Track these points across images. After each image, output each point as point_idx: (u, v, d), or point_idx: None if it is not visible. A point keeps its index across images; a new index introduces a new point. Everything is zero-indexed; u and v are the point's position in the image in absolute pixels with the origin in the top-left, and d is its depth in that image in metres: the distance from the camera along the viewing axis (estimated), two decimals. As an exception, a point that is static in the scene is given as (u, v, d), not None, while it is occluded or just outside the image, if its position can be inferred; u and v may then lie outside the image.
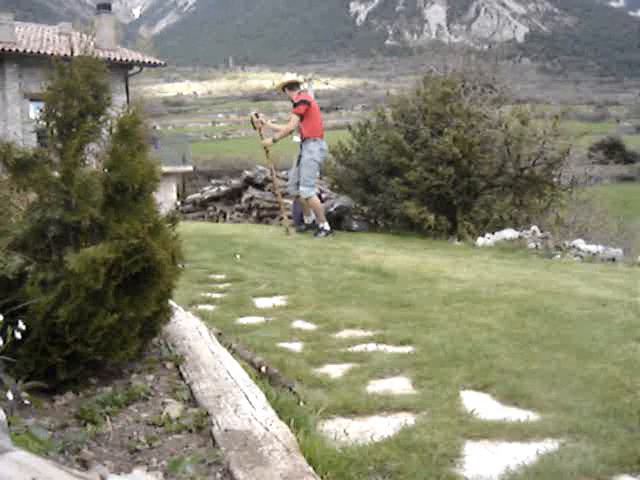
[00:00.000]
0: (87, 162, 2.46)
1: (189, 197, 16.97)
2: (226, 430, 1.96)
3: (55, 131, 2.41)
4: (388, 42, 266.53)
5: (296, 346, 3.30)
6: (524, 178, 9.19)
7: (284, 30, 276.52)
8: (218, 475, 1.74)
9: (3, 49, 20.83)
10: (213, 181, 16.89)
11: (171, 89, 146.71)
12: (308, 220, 8.26)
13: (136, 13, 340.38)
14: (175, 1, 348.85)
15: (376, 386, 2.72)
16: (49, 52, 20.92)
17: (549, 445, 2.15)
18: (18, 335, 1.95)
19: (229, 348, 2.87)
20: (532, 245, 7.52)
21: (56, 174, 2.38)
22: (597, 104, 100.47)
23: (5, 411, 1.58)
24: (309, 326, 3.71)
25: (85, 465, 1.72)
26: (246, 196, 13.02)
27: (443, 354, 3.09)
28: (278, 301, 4.35)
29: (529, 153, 9.08)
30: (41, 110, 2.42)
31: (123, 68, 23.53)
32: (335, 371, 2.91)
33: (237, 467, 1.74)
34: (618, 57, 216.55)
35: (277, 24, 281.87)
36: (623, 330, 3.51)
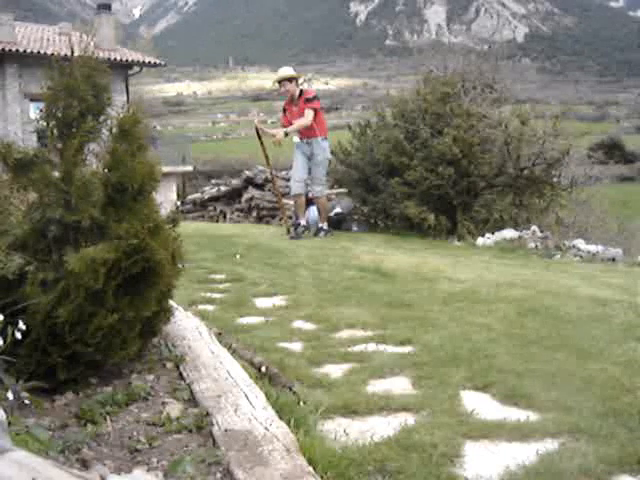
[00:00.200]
0: (87, 162, 2.47)
1: (189, 197, 16.98)
2: (226, 430, 1.96)
3: (55, 131, 2.41)
4: (388, 42, 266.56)
5: (296, 346, 3.30)
6: (524, 178, 9.19)
7: (284, 30, 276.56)
8: (218, 475, 1.74)
9: (3, 49, 20.84)
10: (213, 181, 16.89)
11: (171, 89, 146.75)
12: (303, 222, 8.06)
13: (136, 13, 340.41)
14: (175, 1, 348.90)
15: (376, 386, 2.72)
16: (49, 52, 20.94)
17: (549, 445, 2.15)
18: (18, 335, 1.95)
19: (229, 348, 2.87)
20: (532, 245, 7.52)
21: (56, 174, 2.39)
22: (597, 104, 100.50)
23: (5, 411, 1.58)
24: (309, 326, 3.71)
25: (85, 465, 1.72)
26: (246, 196, 13.03)
27: (443, 354, 3.09)
28: (278, 301, 4.35)
29: (529, 153, 9.08)
30: (41, 110, 2.42)
31: (123, 68, 23.55)
32: (335, 371, 2.91)
33: (237, 467, 1.74)
34: (618, 57, 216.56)
35: (277, 24, 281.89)
36: (623, 330, 3.52)
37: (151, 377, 2.45)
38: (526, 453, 2.09)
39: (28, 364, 2.18)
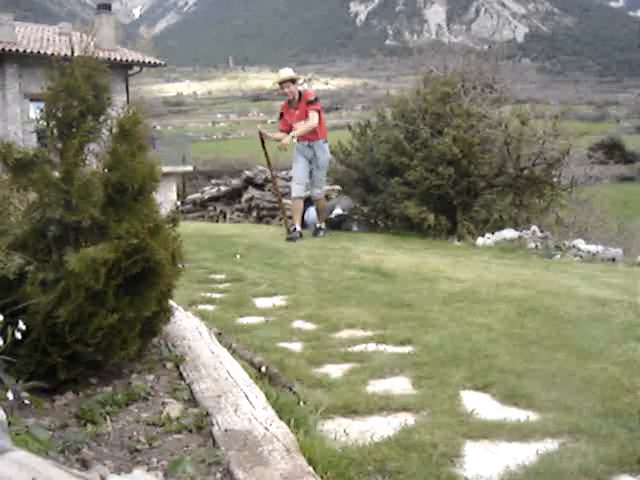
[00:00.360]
0: (87, 162, 2.47)
1: (189, 197, 16.99)
2: (226, 430, 1.96)
3: (55, 131, 2.41)
4: (388, 42, 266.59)
5: (296, 346, 3.30)
6: (524, 178, 9.19)
7: (284, 30, 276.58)
8: (218, 475, 1.74)
9: (3, 49, 20.84)
10: (213, 181, 16.90)
11: (171, 89, 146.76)
12: (299, 227, 7.84)
13: (136, 13, 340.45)
14: (175, 1, 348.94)
15: (376, 386, 2.72)
16: (49, 52, 20.94)
17: (549, 445, 2.15)
18: (18, 335, 1.95)
19: (229, 348, 2.87)
20: (532, 245, 7.52)
21: (56, 174, 2.39)
22: (597, 104, 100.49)
23: (5, 411, 1.58)
24: (309, 326, 3.71)
25: (85, 465, 1.72)
26: (246, 196, 13.03)
27: (443, 354, 3.09)
28: (278, 301, 4.35)
29: (529, 153, 9.08)
30: (41, 110, 2.42)
31: (123, 68, 23.55)
32: (335, 371, 2.91)
33: (237, 467, 1.74)
34: (618, 57, 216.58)
35: (277, 24, 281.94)
36: (623, 330, 3.52)
37: (151, 377, 2.46)
38: (526, 453, 2.09)
39: (28, 364, 2.19)
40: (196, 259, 5.59)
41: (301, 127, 7.68)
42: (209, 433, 1.99)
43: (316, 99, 7.85)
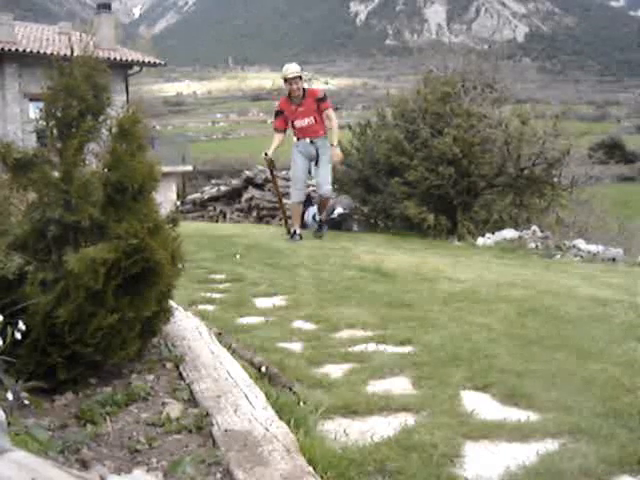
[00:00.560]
0: (87, 162, 2.46)
1: (189, 197, 17.00)
2: (226, 430, 1.96)
3: (55, 131, 2.41)
4: (388, 42, 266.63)
5: (296, 346, 3.30)
6: (524, 178, 9.19)
7: (284, 30, 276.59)
8: (218, 475, 1.74)
9: (3, 49, 20.82)
10: (213, 181, 16.92)
11: (171, 89, 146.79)
12: (299, 230, 7.71)
13: (136, 13, 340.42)
14: (175, 1, 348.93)
15: (376, 386, 2.71)
16: (49, 52, 20.92)
17: (549, 445, 2.15)
18: (18, 335, 1.95)
19: (229, 348, 2.87)
20: (532, 245, 7.52)
21: (56, 174, 2.38)
22: (597, 104, 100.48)
23: (5, 411, 1.58)
24: (309, 326, 3.71)
25: (85, 465, 1.72)
26: (246, 196, 13.04)
27: (443, 354, 3.08)
28: (278, 301, 4.35)
29: (529, 153, 9.08)
30: (41, 110, 2.41)
31: (123, 68, 23.54)
32: (335, 371, 2.91)
33: (237, 467, 1.73)
34: (618, 57, 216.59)
35: (277, 24, 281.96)
36: (623, 330, 3.51)
37: (151, 377, 2.45)
38: (526, 453, 2.09)
39: (28, 364, 2.18)
40: (196, 259, 5.59)
41: (335, 131, 7.67)
42: (209, 433, 1.98)
43: (326, 96, 7.79)
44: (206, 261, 5.77)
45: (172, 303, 2.81)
